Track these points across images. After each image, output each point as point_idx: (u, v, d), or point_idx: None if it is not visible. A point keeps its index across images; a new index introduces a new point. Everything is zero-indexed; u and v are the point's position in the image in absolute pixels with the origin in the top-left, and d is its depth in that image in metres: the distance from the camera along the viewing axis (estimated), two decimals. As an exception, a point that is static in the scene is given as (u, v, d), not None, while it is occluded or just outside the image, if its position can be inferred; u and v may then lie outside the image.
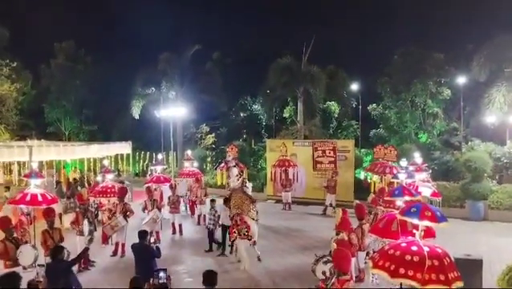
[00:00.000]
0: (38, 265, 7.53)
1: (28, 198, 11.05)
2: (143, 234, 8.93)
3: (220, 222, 13.16)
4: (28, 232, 10.82)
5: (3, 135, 27.64)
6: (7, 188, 17.47)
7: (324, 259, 7.88)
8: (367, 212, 10.90)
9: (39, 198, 11.07)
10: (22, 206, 11.45)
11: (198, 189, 17.10)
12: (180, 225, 15.64)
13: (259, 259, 11.89)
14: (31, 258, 9.06)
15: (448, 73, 26.71)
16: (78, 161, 24.18)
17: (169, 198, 15.68)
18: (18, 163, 22.30)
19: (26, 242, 9.80)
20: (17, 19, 30.13)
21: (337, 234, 8.42)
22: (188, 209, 18.32)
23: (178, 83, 30.15)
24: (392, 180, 13.99)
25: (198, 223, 16.81)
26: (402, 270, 5.33)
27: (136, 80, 30.20)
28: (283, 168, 19.91)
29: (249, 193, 13.07)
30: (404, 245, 5.68)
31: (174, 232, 15.55)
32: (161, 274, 5.64)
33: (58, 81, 34.41)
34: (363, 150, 26.04)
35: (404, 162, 14.68)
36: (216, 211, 13.43)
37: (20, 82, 25.69)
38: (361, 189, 20.11)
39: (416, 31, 29.56)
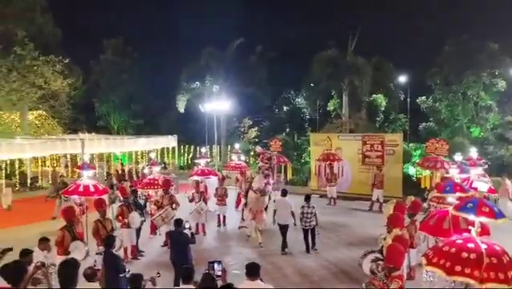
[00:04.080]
0: (97, 253, 7.74)
1: (81, 189, 11.50)
2: (179, 222, 9.31)
3: (278, 221, 12.43)
4: (81, 222, 11.22)
5: (56, 129, 28.87)
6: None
7: (373, 256, 7.69)
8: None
9: (91, 189, 11.50)
10: (75, 197, 11.95)
11: (243, 182, 17.15)
12: (224, 217, 15.78)
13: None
14: (82, 255, 9.29)
15: (502, 64, 25.45)
16: (127, 154, 24.98)
17: (217, 190, 15.78)
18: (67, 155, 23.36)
19: (82, 239, 10.00)
20: (68, 16, 31.16)
21: (389, 232, 8.13)
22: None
23: (222, 77, 30.45)
24: (446, 175, 13.48)
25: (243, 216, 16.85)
26: (458, 268, 5.10)
27: (181, 75, 30.75)
28: (328, 163, 19.59)
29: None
30: (459, 242, 5.43)
31: (219, 224, 15.69)
32: (216, 265, 5.58)
33: (107, 76, 35.66)
34: (411, 144, 25.30)
35: (459, 157, 14.08)
36: (312, 208, 12.25)
37: (72, 77, 26.62)
38: (409, 184, 19.68)
39: (468, 20, 28.09)
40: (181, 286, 5.80)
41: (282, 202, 12.49)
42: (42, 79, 24.68)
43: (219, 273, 5.54)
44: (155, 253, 12.50)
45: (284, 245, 12.27)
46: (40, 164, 25.60)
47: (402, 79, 29.13)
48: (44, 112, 29.17)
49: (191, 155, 31.74)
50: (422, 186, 16.59)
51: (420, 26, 29.11)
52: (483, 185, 6.72)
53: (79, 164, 18.64)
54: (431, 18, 30.15)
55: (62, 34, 28.84)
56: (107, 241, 7.94)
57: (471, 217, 5.35)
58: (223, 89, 30.22)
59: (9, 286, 4.98)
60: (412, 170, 22.09)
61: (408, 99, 29.28)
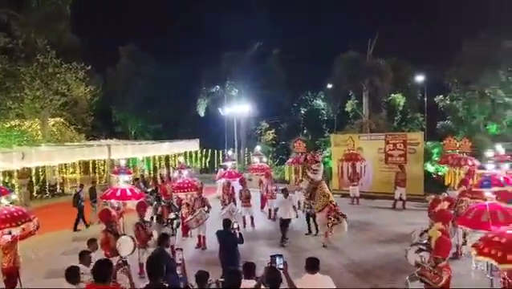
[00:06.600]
0: (177, 249, 8.09)
1: (118, 193, 11.91)
2: (227, 222, 9.41)
3: (279, 216, 13.63)
4: (119, 225, 11.60)
5: (77, 136, 29.29)
6: None
7: (416, 247, 8.03)
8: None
9: (128, 193, 11.92)
10: (113, 201, 12.32)
11: (269, 184, 17.44)
12: (252, 218, 16.02)
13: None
14: (130, 249, 9.66)
15: (519, 61, 25.56)
16: (149, 159, 25.48)
17: (241, 193, 16.02)
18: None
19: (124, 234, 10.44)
20: (84, 24, 31.59)
21: (430, 226, 8.44)
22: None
23: (241, 81, 30.76)
24: (479, 171, 13.81)
25: (269, 217, 17.08)
26: (510, 257, 5.38)
27: (201, 79, 31.11)
28: (351, 163, 19.89)
29: None
30: (509, 232, 5.72)
31: (245, 225, 15.78)
32: (278, 259, 5.79)
33: (123, 82, 35.81)
34: (429, 143, 25.48)
35: (490, 153, 14.34)
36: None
37: (92, 84, 27.13)
38: (430, 181, 19.90)
39: (484, 19, 28.11)
40: (244, 281, 5.85)
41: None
42: (66, 86, 25.21)
43: (281, 266, 5.72)
44: (190, 254, 12.69)
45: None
46: (63, 170, 26.00)
47: (419, 78, 29.29)
48: (63, 120, 29.59)
49: (208, 158, 32.05)
50: (446, 183, 16.78)
51: (436, 27, 29.25)
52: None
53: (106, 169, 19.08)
54: (447, 19, 30.25)
55: (79, 42, 29.38)
56: (161, 239, 8.26)
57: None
58: (242, 92, 30.59)
59: None
60: (430, 168, 22.25)
61: (425, 98, 29.46)
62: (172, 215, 12.11)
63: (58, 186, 23.73)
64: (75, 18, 28.19)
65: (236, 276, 5.55)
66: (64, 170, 25.95)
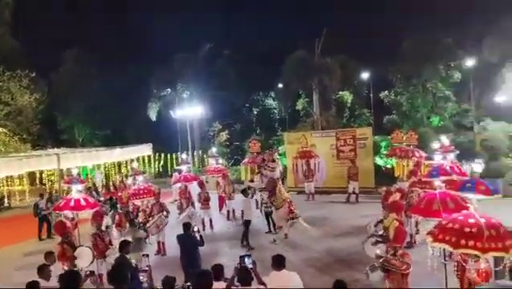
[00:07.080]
0: (143, 255, 7.95)
1: (72, 204, 11.51)
2: (187, 226, 9.44)
3: (245, 218, 13.52)
4: (74, 236, 11.26)
5: (22, 146, 27.89)
6: None
7: (372, 240, 8.35)
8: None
9: (82, 203, 11.55)
10: (67, 212, 11.90)
11: (226, 185, 17.47)
12: (210, 220, 15.99)
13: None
14: (89, 259, 9.47)
15: (456, 56, 26.98)
16: (100, 166, 24.75)
17: (200, 195, 15.94)
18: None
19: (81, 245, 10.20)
20: (25, 28, 30.13)
21: (385, 216, 8.81)
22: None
23: (193, 83, 30.56)
24: (427, 162, 14.54)
25: (228, 218, 17.15)
26: (463, 242, 5.71)
27: (151, 83, 30.57)
28: (305, 160, 20.28)
29: None
30: (461, 218, 6.07)
31: (204, 228, 15.77)
32: (247, 259, 5.87)
33: (69, 88, 34.39)
34: (377, 137, 26.41)
35: (436, 144, 15.07)
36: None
37: (37, 92, 25.98)
38: (380, 174, 20.67)
39: (423, 17, 29.54)
40: (214, 283, 5.83)
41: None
42: (9, 95, 24.03)
43: (250, 266, 5.82)
44: (150, 260, 12.53)
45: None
46: (10, 183, 24.80)
47: (365, 75, 30.28)
48: (6, 130, 28.11)
49: (162, 163, 31.56)
50: (396, 175, 17.47)
51: (379, 25, 30.36)
52: (478, 167, 7.39)
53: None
54: (389, 17, 31.43)
55: (21, 48, 28.01)
56: (122, 246, 8.13)
57: (470, 195, 5.99)
58: (194, 94, 30.44)
59: None
60: (380, 161, 23.08)
61: (371, 95, 30.50)
62: None
63: (5, 200, 22.61)
64: (13, 23, 26.97)
65: (206, 278, 5.56)
66: (11, 183, 24.80)
